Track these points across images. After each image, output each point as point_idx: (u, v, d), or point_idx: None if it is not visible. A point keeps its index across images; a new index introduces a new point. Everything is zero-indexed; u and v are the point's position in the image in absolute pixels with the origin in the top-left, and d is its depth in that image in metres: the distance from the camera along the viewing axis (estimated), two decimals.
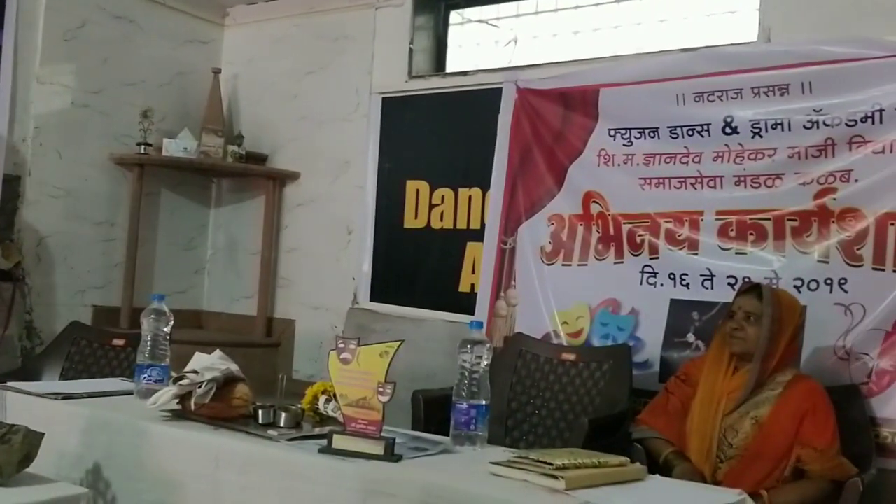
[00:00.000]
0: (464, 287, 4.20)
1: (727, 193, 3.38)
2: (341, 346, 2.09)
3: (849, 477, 2.59)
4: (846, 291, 3.08)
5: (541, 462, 1.83)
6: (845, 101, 3.12)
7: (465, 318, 3.52)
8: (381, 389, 2.01)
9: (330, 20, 4.87)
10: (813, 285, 3.14)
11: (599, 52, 4.04)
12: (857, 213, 3.10)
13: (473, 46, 4.60)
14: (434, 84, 4.47)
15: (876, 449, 2.86)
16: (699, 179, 3.45)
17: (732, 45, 3.61)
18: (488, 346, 2.16)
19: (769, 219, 3.28)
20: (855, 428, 2.81)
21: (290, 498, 1.99)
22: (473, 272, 4.15)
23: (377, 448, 1.98)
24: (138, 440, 2.24)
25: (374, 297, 4.57)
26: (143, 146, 4.64)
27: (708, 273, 3.38)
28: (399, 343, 2.04)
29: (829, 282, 3.12)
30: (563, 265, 3.77)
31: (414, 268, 4.45)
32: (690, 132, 3.45)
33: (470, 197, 4.25)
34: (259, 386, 2.42)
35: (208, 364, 2.28)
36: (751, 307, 2.75)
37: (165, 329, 2.56)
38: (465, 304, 4.07)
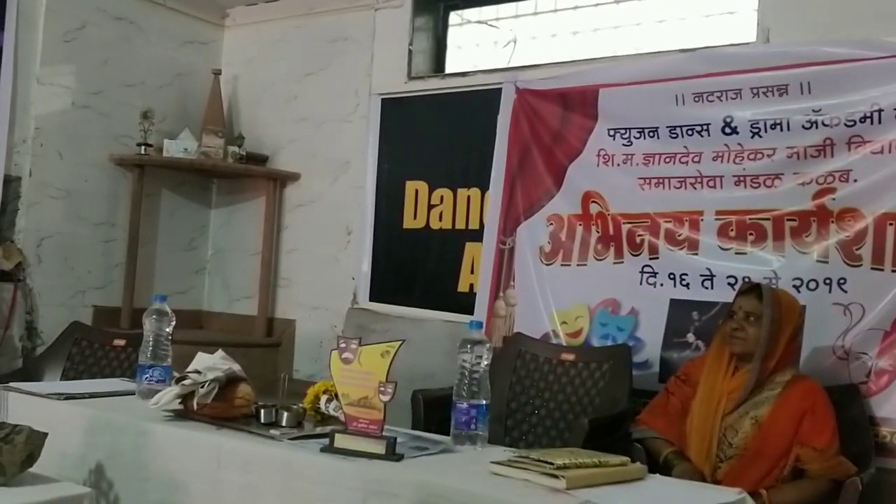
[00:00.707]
0: (463, 287, 4.21)
1: (727, 193, 3.39)
2: (343, 345, 2.10)
3: (848, 476, 2.59)
4: (845, 291, 3.09)
5: (541, 461, 1.83)
6: (844, 102, 3.13)
7: (465, 318, 3.52)
8: (382, 389, 2.02)
9: (329, 21, 4.87)
10: (812, 285, 3.15)
11: (598, 53, 4.05)
12: (856, 213, 3.11)
13: (473, 47, 4.61)
14: (433, 85, 4.48)
15: (875, 448, 2.87)
16: (699, 179, 3.45)
17: (731, 45, 3.62)
18: (488, 345, 2.17)
19: (768, 219, 3.29)
20: (854, 427, 2.82)
21: (291, 497, 2.00)
22: (472, 272, 4.15)
23: (378, 447, 1.99)
24: (141, 440, 2.25)
25: (374, 297, 4.57)
26: (143, 147, 4.64)
27: (708, 273, 3.39)
28: (400, 343, 2.05)
29: (828, 282, 3.13)
30: (562, 265, 3.78)
31: (413, 268, 4.46)
32: (690, 132, 3.46)
33: (469, 197, 4.25)
34: (259, 386, 2.43)
35: (211, 364, 2.29)
36: (750, 307, 2.75)
37: (167, 329, 2.57)
38: (465, 304, 4.08)
